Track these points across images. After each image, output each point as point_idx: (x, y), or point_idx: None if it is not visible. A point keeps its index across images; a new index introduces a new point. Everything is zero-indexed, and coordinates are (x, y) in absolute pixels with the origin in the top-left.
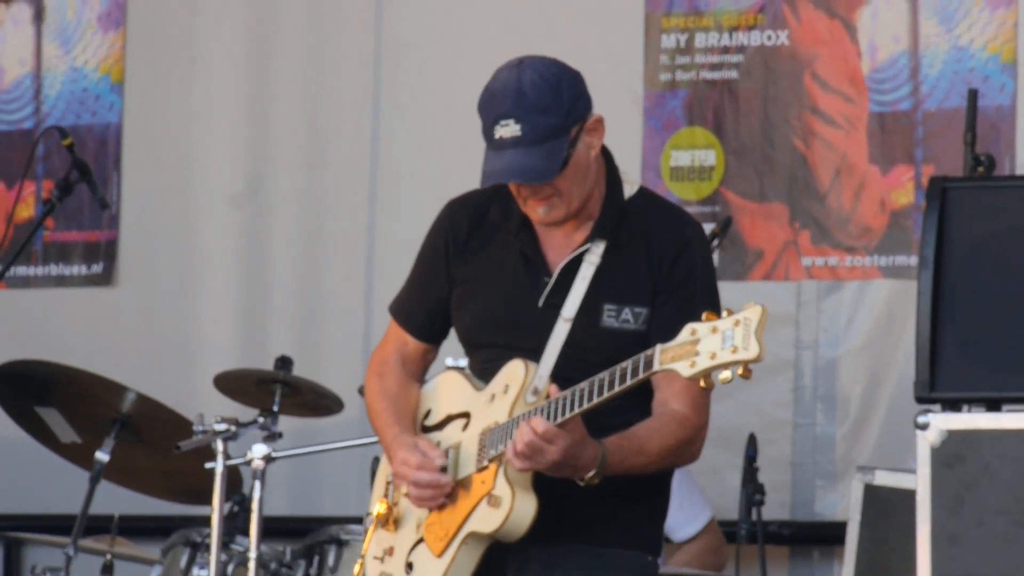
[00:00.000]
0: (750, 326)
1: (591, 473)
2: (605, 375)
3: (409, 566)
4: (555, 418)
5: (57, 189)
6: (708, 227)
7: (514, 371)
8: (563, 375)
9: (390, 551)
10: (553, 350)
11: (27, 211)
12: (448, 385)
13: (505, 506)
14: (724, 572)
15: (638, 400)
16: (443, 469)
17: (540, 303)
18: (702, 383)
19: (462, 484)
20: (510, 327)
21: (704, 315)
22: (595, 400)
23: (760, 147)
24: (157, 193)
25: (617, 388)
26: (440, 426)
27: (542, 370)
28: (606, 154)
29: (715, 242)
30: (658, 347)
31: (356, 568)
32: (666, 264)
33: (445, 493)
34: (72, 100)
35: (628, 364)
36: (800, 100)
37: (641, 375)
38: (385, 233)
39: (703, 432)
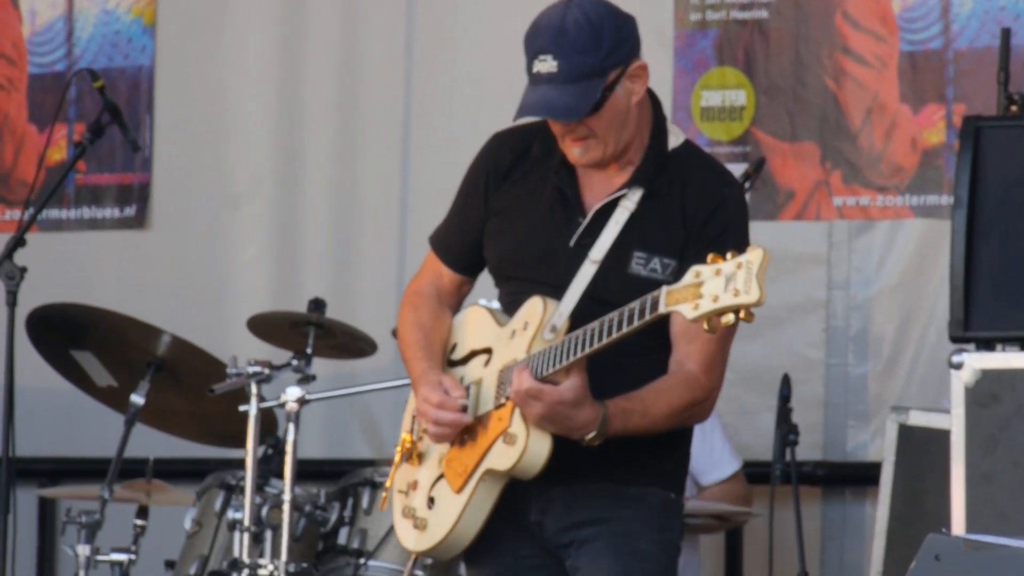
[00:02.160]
0: (752, 269)
1: (591, 435)
2: (615, 315)
3: (431, 500)
4: (566, 358)
5: (88, 132)
6: (740, 167)
7: (533, 308)
8: (583, 316)
9: (414, 485)
10: (576, 290)
11: (59, 154)
12: (473, 320)
13: (520, 444)
14: (755, 510)
15: (664, 343)
16: (464, 409)
17: (572, 243)
18: (705, 326)
19: (481, 421)
20: (539, 262)
21: (709, 257)
22: (604, 341)
23: (791, 87)
24: (190, 136)
25: (626, 329)
26: (464, 361)
27: (562, 308)
28: (655, 103)
29: (747, 184)
30: (664, 288)
31: (382, 502)
32: (699, 220)
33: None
34: (104, 43)
35: (636, 304)
36: (831, 39)
37: (648, 316)
38: (419, 175)
39: (714, 394)
